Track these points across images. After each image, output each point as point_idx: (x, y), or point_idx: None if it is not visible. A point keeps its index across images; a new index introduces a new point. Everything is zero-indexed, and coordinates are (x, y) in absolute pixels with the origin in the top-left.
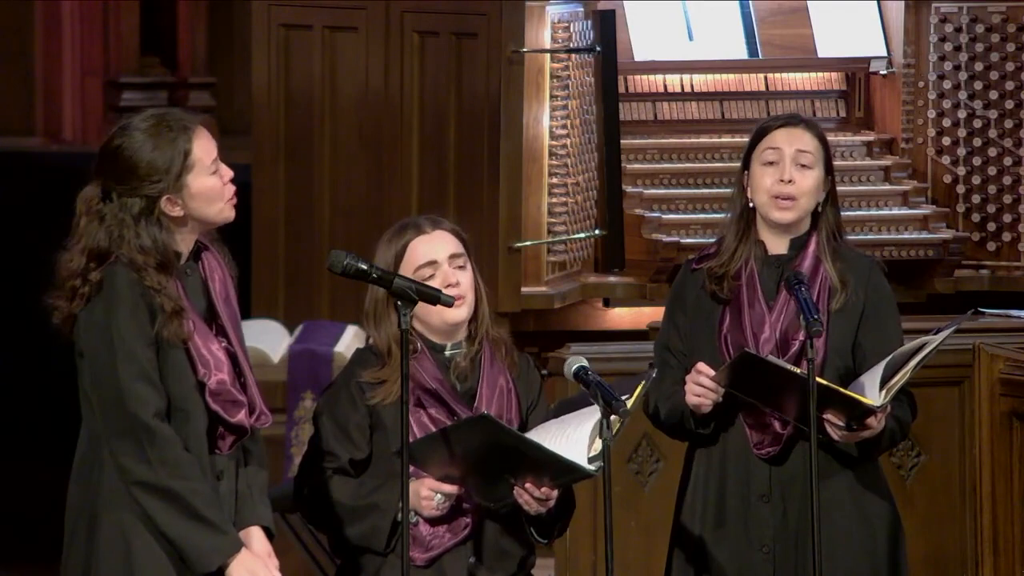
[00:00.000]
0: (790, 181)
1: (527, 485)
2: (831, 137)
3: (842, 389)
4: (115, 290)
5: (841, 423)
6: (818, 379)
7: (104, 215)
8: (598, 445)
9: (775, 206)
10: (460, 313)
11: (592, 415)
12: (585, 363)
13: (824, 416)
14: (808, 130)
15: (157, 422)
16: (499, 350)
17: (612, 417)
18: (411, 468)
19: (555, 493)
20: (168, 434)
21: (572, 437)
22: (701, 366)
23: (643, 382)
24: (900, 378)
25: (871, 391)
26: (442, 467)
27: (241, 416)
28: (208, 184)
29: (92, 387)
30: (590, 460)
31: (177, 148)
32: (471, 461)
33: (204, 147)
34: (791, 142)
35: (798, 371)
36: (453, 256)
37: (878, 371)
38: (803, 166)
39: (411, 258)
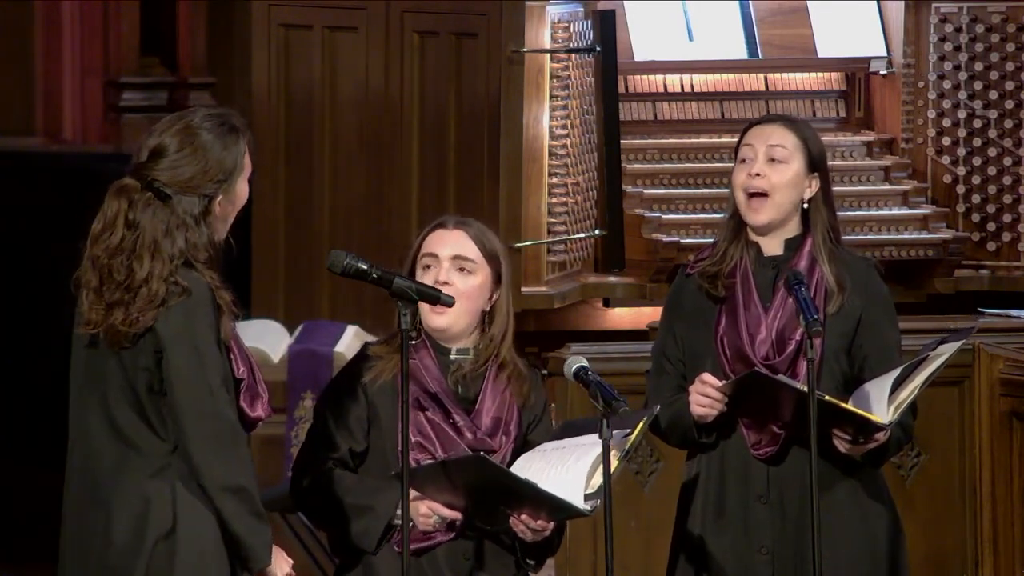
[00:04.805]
0: (758, 175)
1: (523, 517)
2: (831, 137)
3: (851, 408)
4: (198, 295)
5: (847, 436)
6: (828, 398)
7: (164, 218)
8: (596, 481)
9: (747, 206)
10: (440, 320)
11: (593, 448)
12: (585, 363)
13: (832, 431)
14: (785, 126)
15: (238, 423)
16: (505, 372)
17: (612, 455)
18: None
19: (551, 524)
20: (244, 434)
21: (571, 470)
22: (706, 376)
23: (644, 418)
24: (909, 395)
25: (878, 406)
26: (439, 493)
27: (259, 409)
28: (246, 189)
29: (173, 396)
30: (587, 497)
31: (240, 149)
32: (468, 492)
33: (248, 151)
34: (764, 138)
35: (805, 389)
36: (458, 257)
37: (885, 385)
38: (776, 160)
39: (422, 246)
